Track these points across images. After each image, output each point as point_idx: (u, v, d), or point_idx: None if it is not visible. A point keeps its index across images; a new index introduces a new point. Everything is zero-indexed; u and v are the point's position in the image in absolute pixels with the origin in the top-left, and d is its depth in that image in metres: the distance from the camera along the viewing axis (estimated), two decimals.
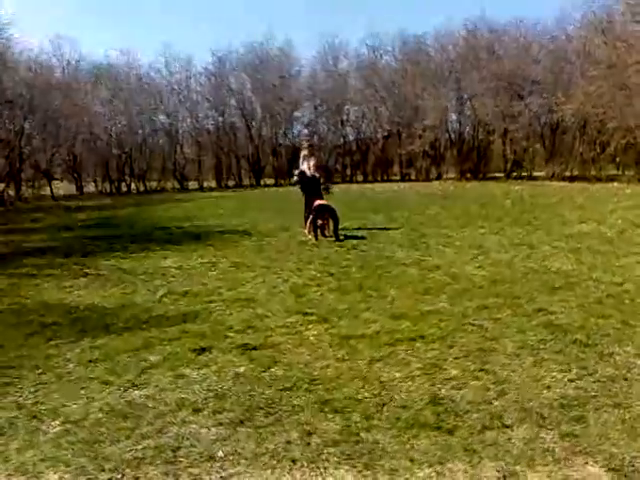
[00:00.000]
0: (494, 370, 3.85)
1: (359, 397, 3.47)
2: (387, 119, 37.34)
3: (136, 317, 5.56)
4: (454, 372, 3.83)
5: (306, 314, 5.44)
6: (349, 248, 9.59)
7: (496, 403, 3.34)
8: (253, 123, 39.40)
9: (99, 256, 9.66)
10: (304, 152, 12.39)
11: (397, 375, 3.81)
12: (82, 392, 3.70)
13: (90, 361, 4.26)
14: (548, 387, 3.54)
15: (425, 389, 3.58)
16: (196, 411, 3.36)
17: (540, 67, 30.68)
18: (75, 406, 3.51)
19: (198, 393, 3.61)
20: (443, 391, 3.54)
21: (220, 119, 39.29)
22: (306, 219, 11.25)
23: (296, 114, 39.93)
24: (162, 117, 38.76)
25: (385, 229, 11.88)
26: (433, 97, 33.71)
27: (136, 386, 3.76)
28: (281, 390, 3.59)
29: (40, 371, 4.12)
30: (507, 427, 3.04)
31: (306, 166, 11.89)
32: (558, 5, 58.57)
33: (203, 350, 4.42)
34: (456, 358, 4.10)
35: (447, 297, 5.94)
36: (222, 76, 38.65)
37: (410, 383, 3.68)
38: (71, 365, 4.21)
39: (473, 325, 4.91)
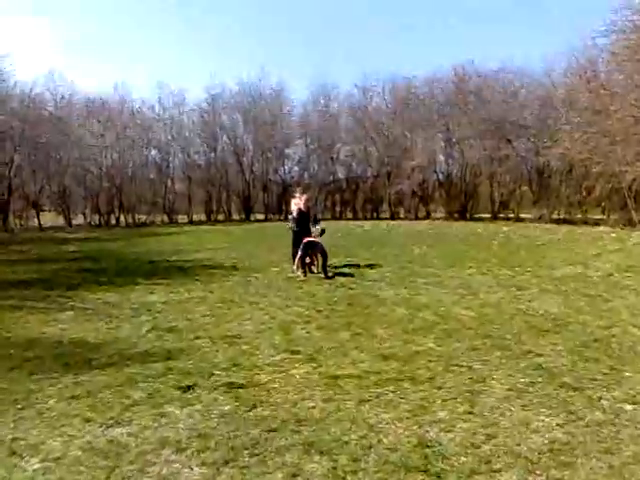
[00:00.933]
0: (483, 413, 3.82)
1: (346, 439, 3.41)
2: (377, 159, 37.92)
3: (120, 353, 5.47)
4: (442, 414, 3.79)
5: (293, 352, 5.39)
6: (337, 286, 9.58)
7: (485, 447, 3.30)
8: (244, 159, 39.77)
9: (85, 289, 9.56)
10: (296, 198, 12.27)
11: (385, 417, 3.76)
12: (63, 429, 3.61)
13: (72, 397, 4.16)
14: (537, 431, 3.51)
15: (413, 431, 3.53)
16: (179, 450, 3.28)
17: (527, 112, 31.42)
18: (55, 443, 3.41)
19: (182, 432, 3.53)
20: (431, 434, 3.50)
21: (212, 155, 39.63)
22: (294, 255, 11.27)
23: (287, 151, 40.43)
24: (153, 152, 39.05)
25: (374, 267, 11.89)
26: (422, 139, 34.35)
27: (118, 424, 3.67)
28: (267, 431, 3.53)
29: (20, 406, 4.02)
30: (496, 472, 3.00)
31: (296, 206, 11.96)
32: (543, 53, 60.73)
33: (188, 388, 4.35)
34: (444, 400, 4.06)
35: (435, 337, 5.92)
36: (215, 113, 39.16)
37: (398, 425, 3.63)
38: (52, 401, 4.12)
39: (461, 367, 4.88)
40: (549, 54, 46.17)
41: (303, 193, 12.35)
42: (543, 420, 3.70)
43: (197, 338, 6.05)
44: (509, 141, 31.77)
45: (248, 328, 6.52)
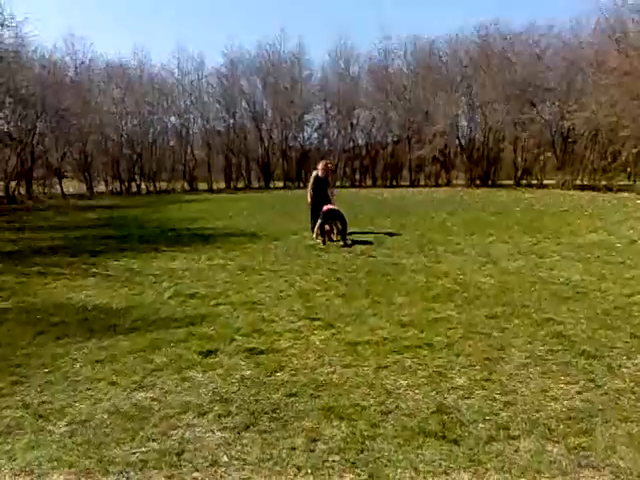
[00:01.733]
0: (501, 380, 3.83)
1: (364, 404, 3.46)
2: (397, 124, 37.33)
3: (143, 318, 5.59)
4: (460, 381, 3.82)
5: (313, 319, 5.44)
6: (357, 254, 9.58)
7: (503, 414, 3.32)
8: (263, 125, 39.50)
9: (108, 256, 9.71)
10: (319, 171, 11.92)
11: (403, 383, 3.79)
12: (88, 392, 3.72)
13: (97, 361, 4.28)
14: (555, 399, 3.52)
15: (431, 398, 3.56)
16: (201, 415, 3.37)
17: (552, 74, 30.50)
18: (81, 406, 3.52)
19: (203, 396, 3.62)
20: (449, 400, 3.52)
21: (231, 121, 39.42)
22: (313, 223, 11.28)
23: (307, 117, 40.01)
24: (173, 118, 38.96)
25: (393, 235, 11.85)
26: (444, 103, 33.65)
27: (142, 388, 3.77)
28: (286, 395, 3.59)
29: (47, 370, 4.14)
30: (513, 439, 3.02)
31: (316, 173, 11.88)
32: (572, 11, 58.65)
33: (209, 353, 4.43)
34: (463, 367, 4.08)
35: (455, 305, 5.92)
36: (234, 78, 38.78)
37: (416, 391, 3.66)
38: (78, 365, 4.24)
39: (481, 334, 4.89)
40: (576, 14, 44.45)
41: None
42: (562, 388, 3.70)
43: (218, 304, 6.14)
44: (533, 105, 30.98)
45: (268, 295, 6.59)
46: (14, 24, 23.77)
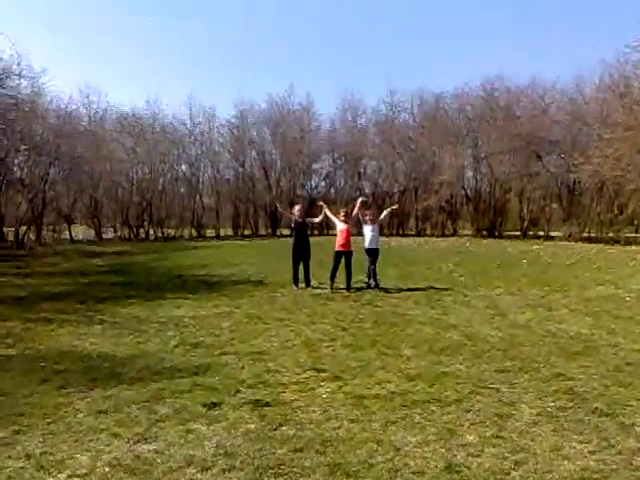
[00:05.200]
0: (512, 437, 3.74)
1: (372, 461, 3.37)
2: (404, 174, 37.88)
3: (148, 367, 5.54)
4: (470, 438, 3.73)
5: (319, 370, 5.37)
6: (363, 303, 9.54)
7: (514, 473, 3.22)
8: (272, 174, 40.16)
9: (114, 303, 9.72)
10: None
11: (412, 439, 3.71)
12: (90, 444, 3.65)
13: (100, 412, 4.22)
14: (568, 458, 3.42)
15: (440, 455, 3.47)
16: (205, 469, 3.29)
17: (558, 128, 31.03)
18: (83, 458, 3.45)
19: (207, 450, 3.54)
20: (459, 458, 3.43)
21: (240, 170, 40.13)
22: (295, 268, 11.55)
23: (314, 166, 40.70)
24: (184, 166, 39.75)
25: (400, 285, 11.82)
26: (450, 154, 34.18)
27: (145, 439, 3.70)
28: (292, 451, 3.51)
29: (50, 420, 4.09)
30: None
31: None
32: (575, 67, 60.11)
33: (214, 405, 4.37)
34: (472, 423, 3.99)
35: (463, 359, 5.84)
36: (244, 129, 39.75)
37: (425, 448, 3.57)
38: (81, 415, 4.18)
39: (490, 389, 4.80)
40: (580, 69, 45.62)
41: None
42: (574, 447, 3.60)
43: (223, 354, 6.09)
44: (539, 157, 31.41)
45: (274, 345, 6.54)
46: (31, 74, 24.61)
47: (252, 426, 3.94)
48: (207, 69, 77.57)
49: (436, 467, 3.31)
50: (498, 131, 32.11)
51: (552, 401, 4.47)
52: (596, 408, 4.29)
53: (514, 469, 3.28)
